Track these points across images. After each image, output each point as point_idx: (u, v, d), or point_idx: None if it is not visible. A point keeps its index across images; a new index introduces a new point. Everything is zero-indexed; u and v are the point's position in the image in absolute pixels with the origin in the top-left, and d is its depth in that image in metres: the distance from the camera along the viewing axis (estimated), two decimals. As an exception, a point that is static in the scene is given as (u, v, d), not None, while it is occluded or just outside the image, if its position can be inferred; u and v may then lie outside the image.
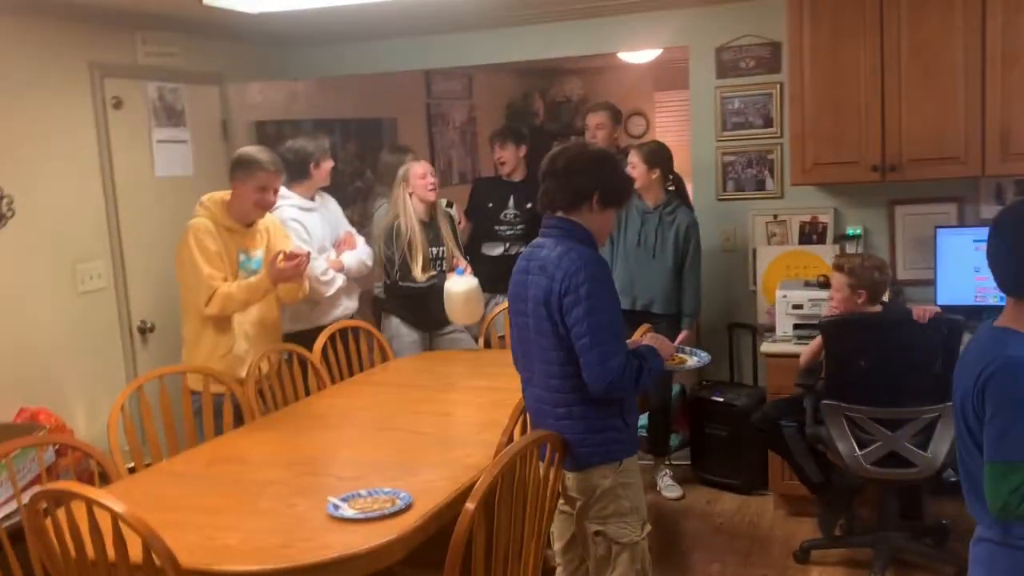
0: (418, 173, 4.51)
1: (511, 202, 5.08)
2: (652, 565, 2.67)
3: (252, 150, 3.88)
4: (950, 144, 4.00)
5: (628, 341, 2.67)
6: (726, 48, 4.64)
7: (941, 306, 4.01)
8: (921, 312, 3.45)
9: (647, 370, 2.53)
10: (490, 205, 5.04)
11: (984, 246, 4.20)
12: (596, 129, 4.97)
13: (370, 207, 5.23)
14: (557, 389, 2.56)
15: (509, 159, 5.10)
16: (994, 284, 4.21)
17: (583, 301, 2.46)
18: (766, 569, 3.82)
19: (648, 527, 2.65)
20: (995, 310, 3.99)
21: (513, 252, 4.82)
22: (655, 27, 4.82)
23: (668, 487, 4.63)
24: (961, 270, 4.24)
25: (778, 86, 4.54)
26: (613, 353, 2.46)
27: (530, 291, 2.61)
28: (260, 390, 3.59)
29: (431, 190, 4.49)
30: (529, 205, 5.00)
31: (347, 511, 2.42)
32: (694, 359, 3.01)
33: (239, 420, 3.45)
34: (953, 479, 3.58)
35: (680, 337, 4.32)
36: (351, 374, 4.11)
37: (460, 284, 4.28)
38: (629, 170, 4.30)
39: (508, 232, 4.98)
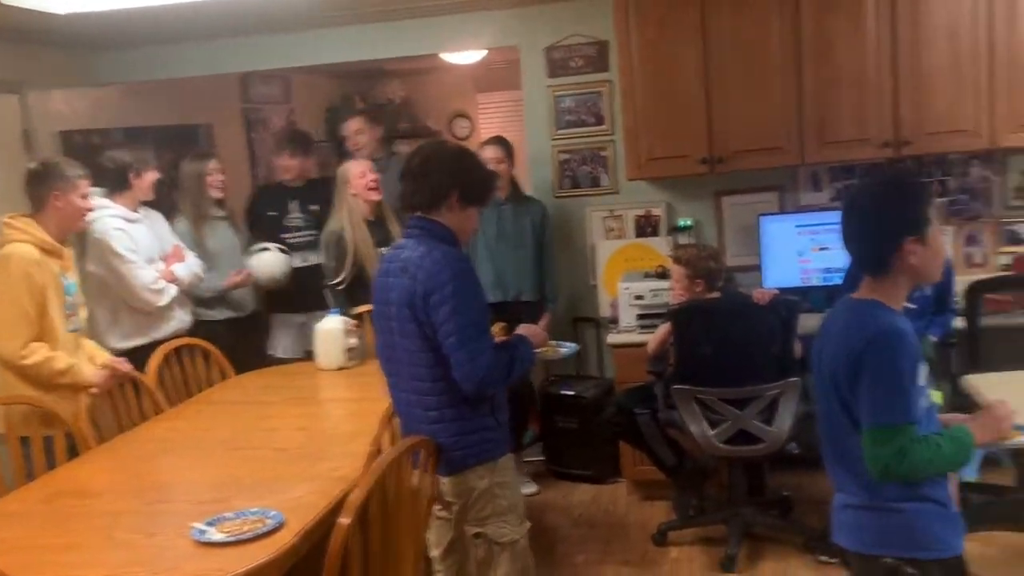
0: (356, 173, 4.36)
1: (294, 208, 4.87)
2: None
3: (58, 160, 3.69)
4: (772, 135, 4.27)
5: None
6: (555, 47, 4.76)
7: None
8: (761, 295, 3.67)
9: (518, 361, 2.56)
10: (272, 213, 4.86)
11: (806, 231, 4.58)
12: (356, 135, 4.97)
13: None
14: (427, 392, 2.54)
15: (295, 168, 4.88)
16: (817, 266, 4.59)
17: (448, 300, 2.45)
18: (627, 554, 3.95)
19: (527, 524, 2.67)
20: (820, 290, 4.41)
21: (306, 264, 4.69)
22: (481, 27, 4.88)
23: (523, 484, 4.68)
24: (785, 254, 4.54)
25: (607, 84, 4.70)
26: (481, 350, 2.46)
27: (392, 293, 2.58)
28: (92, 418, 3.36)
29: (372, 188, 4.34)
30: (316, 207, 4.80)
31: (215, 535, 2.30)
32: (564, 348, 3.06)
33: (72, 452, 3.21)
34: (796, 451, 3.84)
35: (543, 321, 4.47)
36: (189, 395, 3.91)
37: (325, 324, 4.10)
38: None
39: (295, 240, 4.80)
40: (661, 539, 4.00)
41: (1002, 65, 4.04)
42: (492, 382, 2.49)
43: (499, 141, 4.59)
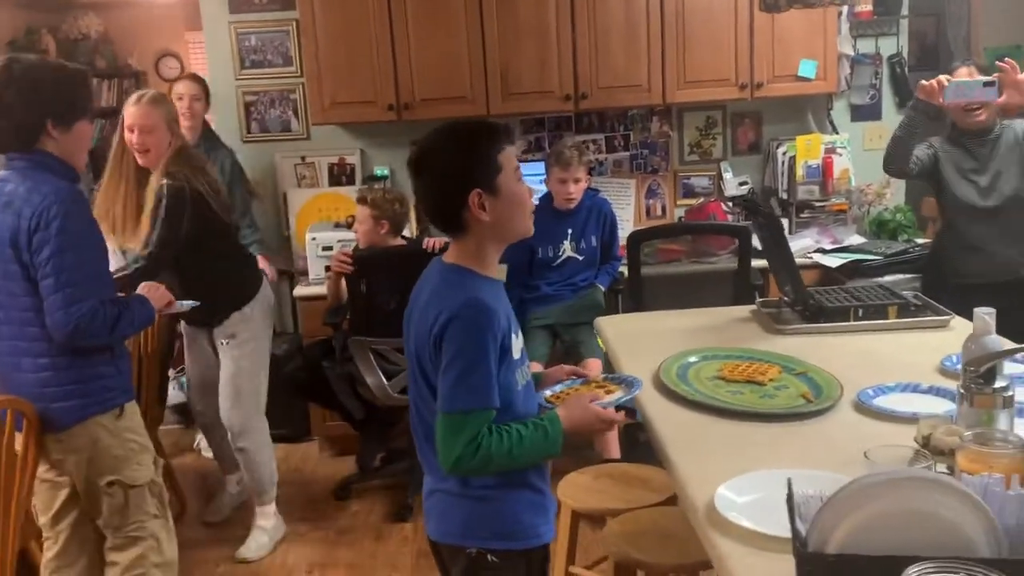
0: None
1: None
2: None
3: None
4: (457, 84, 4.33)
5: None
6: (237, -19, 4.58)
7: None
8: (430, 243, 3.74)
9: (128, 320, 2.47)
10: None
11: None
12: None
13: None
14: (37, 338, 2.39)
15: None
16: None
17: (53, 238, 2.31)
18: (306, 511, 3.95)
19: (161, 461, 2.71)
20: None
21: None
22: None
23: (207, 447, 4.57)
24: (477, 205, 4.64)
25: (294, 23, 4.56)
26: (81, 297, 2.33)
27: None
28: None
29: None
30: None
31: None
32: (183, 303, 2.92)
33: None
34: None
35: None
36: None
37: None
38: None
39: None
40: (343, 493, 4.03)
41: (671, 23, 4.31)
42: (89, 334, 2.36)
43: (195, 78, 4.35)
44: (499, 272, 1.96)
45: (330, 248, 4.38)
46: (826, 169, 4.49)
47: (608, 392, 2.03)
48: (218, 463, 4.06)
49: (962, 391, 1.67)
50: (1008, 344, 1.79)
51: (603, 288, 4.07)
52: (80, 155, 2.47)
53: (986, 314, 1.75)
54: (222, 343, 3.56)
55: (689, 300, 3.44)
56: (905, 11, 4.64)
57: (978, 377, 1.64)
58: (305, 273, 4.52)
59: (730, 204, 4.60)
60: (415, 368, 1.88)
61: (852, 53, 4.58)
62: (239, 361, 3.55)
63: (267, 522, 3.68)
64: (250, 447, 3.63)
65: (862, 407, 2.06)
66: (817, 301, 2.73)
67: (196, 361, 3.77)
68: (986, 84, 3.26)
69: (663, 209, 4.89)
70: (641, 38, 4.33)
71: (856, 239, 4.44)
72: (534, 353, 3.86)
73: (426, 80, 4.32)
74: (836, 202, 4.52)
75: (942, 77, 3.39)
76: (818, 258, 4.24)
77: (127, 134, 3.20)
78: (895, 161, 3.63)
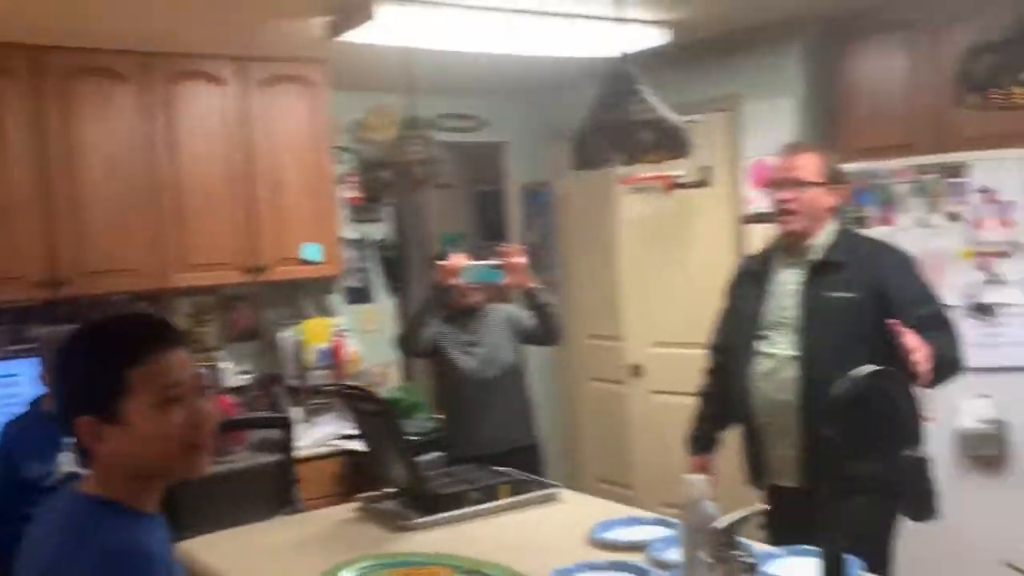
0: None
1: None
2: None
3: None
4: None
5: None
6: None
7: None
8: None
9: None
10: None
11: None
12: None
13: None
14: None
15: None
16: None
17: None
18: None
19: None
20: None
21: None
22: None
23: None
24: None
25: None
26: None
27: None
28: None
29: None
30: None
31: None
32: None
33: None
34: None
35: None
36: None
37: None
38: None
39: None
40: None
41: (172, 200, 3.95)
42: None
43: None
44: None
45: None
46: (336, 352, 4.43)
47: None
48: None
49: (712, 561, 1.66)
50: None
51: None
52: None
53: (696, 481, 1.79)
54: None
55: (230, 511, 3.04)
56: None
57: (725, 545, 1.64)
58: None
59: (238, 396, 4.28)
60: None
61: (354, 237, 4.66)
62: None
63: None
64: None
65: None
66: (430, 489, 2.58)
67: None
68: (493, 267, 3.60)
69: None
70: (132, 214, 3.88)
71: (376, 422, 4.39)
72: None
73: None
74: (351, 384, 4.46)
75: (460, 259, 3.58)
76: (345, 444, 4.08)
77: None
78: (416, 340, 3.68)
